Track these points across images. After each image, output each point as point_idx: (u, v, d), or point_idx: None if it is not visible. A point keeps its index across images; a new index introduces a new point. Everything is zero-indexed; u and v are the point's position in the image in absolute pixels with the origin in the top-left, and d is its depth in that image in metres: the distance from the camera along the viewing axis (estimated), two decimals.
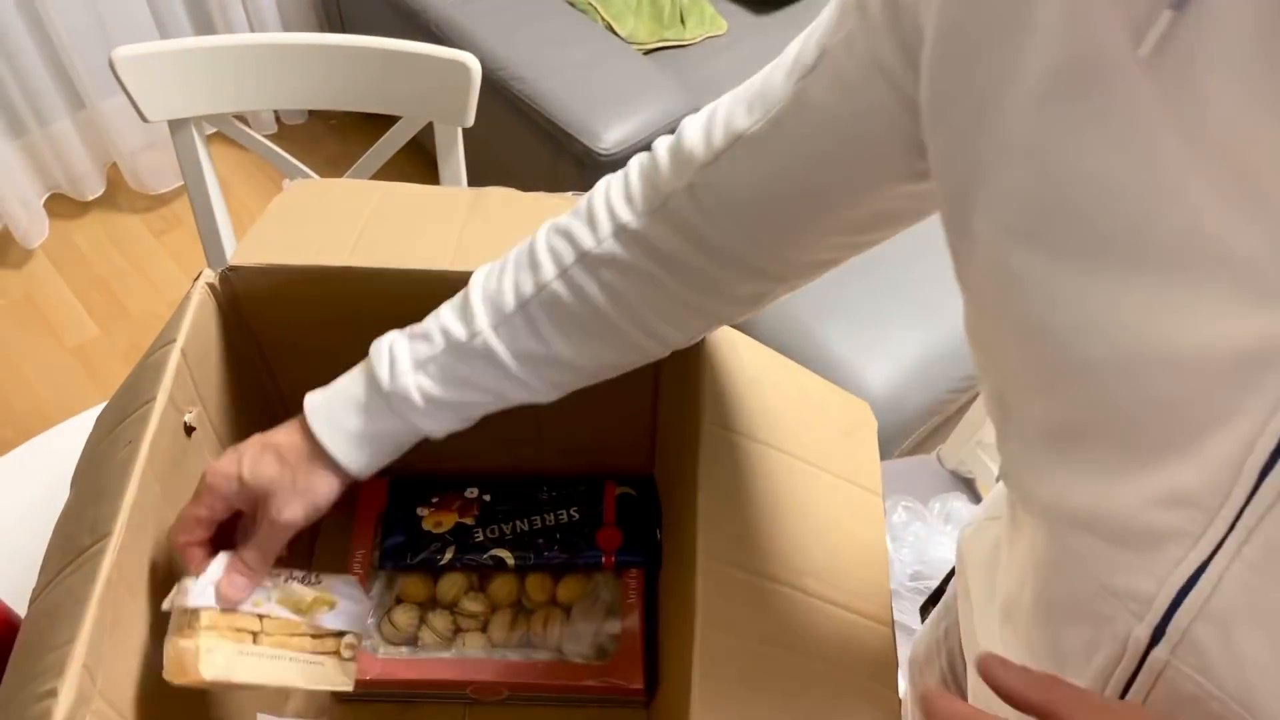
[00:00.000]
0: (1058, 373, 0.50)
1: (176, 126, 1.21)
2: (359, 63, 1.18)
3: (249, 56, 1.18)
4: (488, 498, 0.88)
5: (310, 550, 0.91)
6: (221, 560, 0.65)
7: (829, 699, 0.57)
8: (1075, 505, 0.53)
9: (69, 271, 2.17)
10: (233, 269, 0.68)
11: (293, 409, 0.82)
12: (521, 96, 1.64)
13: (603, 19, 1.90)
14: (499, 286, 0.67)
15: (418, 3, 1.75)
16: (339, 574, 0.73)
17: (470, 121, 1.19)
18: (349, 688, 0.70)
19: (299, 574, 0.71)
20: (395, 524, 0.87)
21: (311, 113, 2.45)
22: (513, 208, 0.76)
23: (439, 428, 0.70)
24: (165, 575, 0.63)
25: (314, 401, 0.68)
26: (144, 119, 1.16)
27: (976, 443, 1.24)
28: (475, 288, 0.68)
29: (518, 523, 0.87)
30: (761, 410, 0.66)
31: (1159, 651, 0.51)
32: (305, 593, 0.69)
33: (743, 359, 0.68)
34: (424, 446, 0.87)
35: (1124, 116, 0.44)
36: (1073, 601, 0.57)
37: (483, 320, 0.67)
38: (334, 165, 1.54)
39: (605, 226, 0.65)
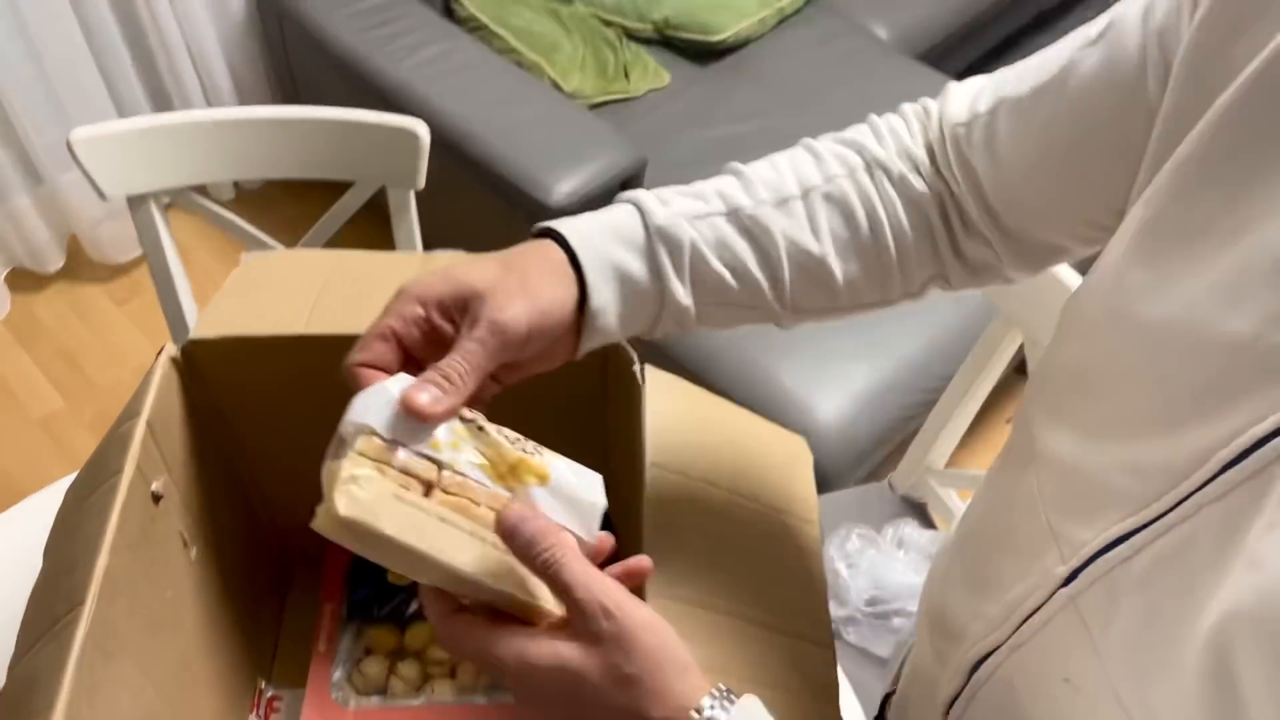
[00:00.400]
0: (1106, 323, 0.55)
1: (135, 202, 1.25)
2: (310, 133, 1.23)
3: (202, 132, 1.22)
4: None
5: (282, 606, 0.94)
6: (403, 378, 0.52)
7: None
8: (1062, 453, 0.59)
9: (32, 344, 2.18)
10: (194, 343, 0.72)
11: (258, 472, 0.86)
12: (474, 156, 1.69)
13: (549, 76, 1.96)
14: (776, 173, 0.64)
15: (369, 71, 1.80)
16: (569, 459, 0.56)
17: (421, 185, 1.24)
18: (547, 608, 0.52)
19: (511, 433, 0.54)
20: (362, 577, 0.90)
21: (269, 180, 2.49)
22: None
23: (682, 308, 0.62)
24: (141, 639, 0.66)
25: (557, 222, 0.60)
26: (102, 197, 1.19)
27: (926, 468, 1.29)
28: (743, 170, 0.65)
29: None
30: (700, 449, 0.70)
31: (1067, 591, 0.57)
32: (511, 452, 0.53)
33: (680, 401, 0.72)
34: None
35: None
36: (1019, 534, 0.63)
37: (765, 193, 0.63)
38: (291, 227, 1.57)
39: (891, 145, 0.67)
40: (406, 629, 0.88)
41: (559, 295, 0.57)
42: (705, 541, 0.66)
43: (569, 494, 0.53)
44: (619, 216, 0.61)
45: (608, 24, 2.13)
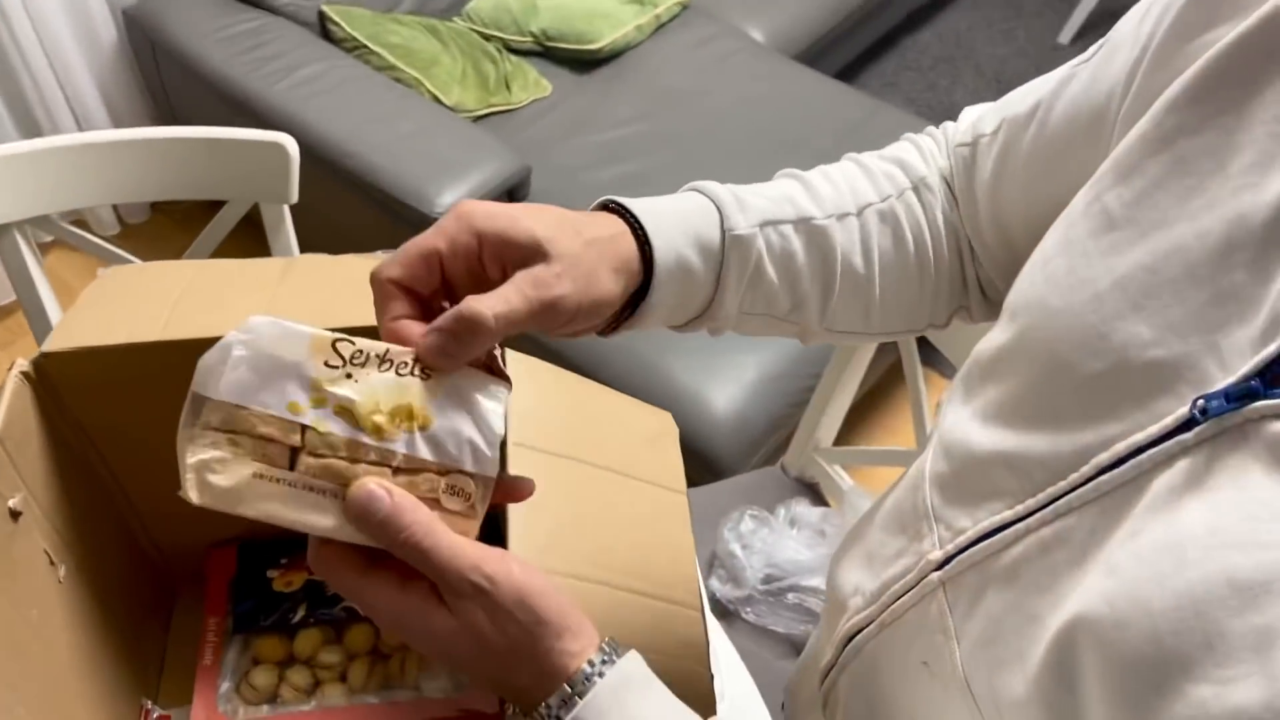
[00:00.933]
0: (1023, 308, 0.55)
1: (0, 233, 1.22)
2: (177, 153, 1.21)
3: (61, 157, 1.19)
4: None
5: (166, 623, 0.92)
6: (262, 324, 0.47)
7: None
8: (956, 436, 0.60)
9: None
10: (46, 355, 0.71)
11: (125, 485, 0.84)
12: (354, 171, 1.68)
13: (429, 91, 1.96)
14: (832, 186, 0.64)
15: (243, 91, 1.79)
16: (475, 374, 0.50)
17: (293, 199, 1.23)
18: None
19: (399, 356, 0.48)
20: (246, 589, 0.89)
21: (154, 208, 2.44)
22: (323, 271, 0.81)
23: (726, 316, 0.62)
24: (4, 661, 0.65)
25: (639, 208, 0.57)
26: None
27: (814, 449, 1.32)
28: (803, 176, 0.64)
29: None
30: (564, 428, 0.71)
31: (938, 575, 0.59)
32: (387, 399, 0.47)
33: (544, 383, 0.73)
34: None
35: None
36: (905, 513, 0.65)
37: (829, 205, 0.63)
38: (179, 257, 1.55)
39: (932, 166, 0.67)
40: (294, 637, 0.88)
41: (616, 291, 0.54)
42: (571, 514, 0.67)
43: (456, 435, 0.48)
44: (697, 217, 0.59)
45: (487, 38, 2.15)
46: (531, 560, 0.60)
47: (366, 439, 0.47)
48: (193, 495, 0.47)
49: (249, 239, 1.35)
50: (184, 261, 0.81)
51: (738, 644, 1.04)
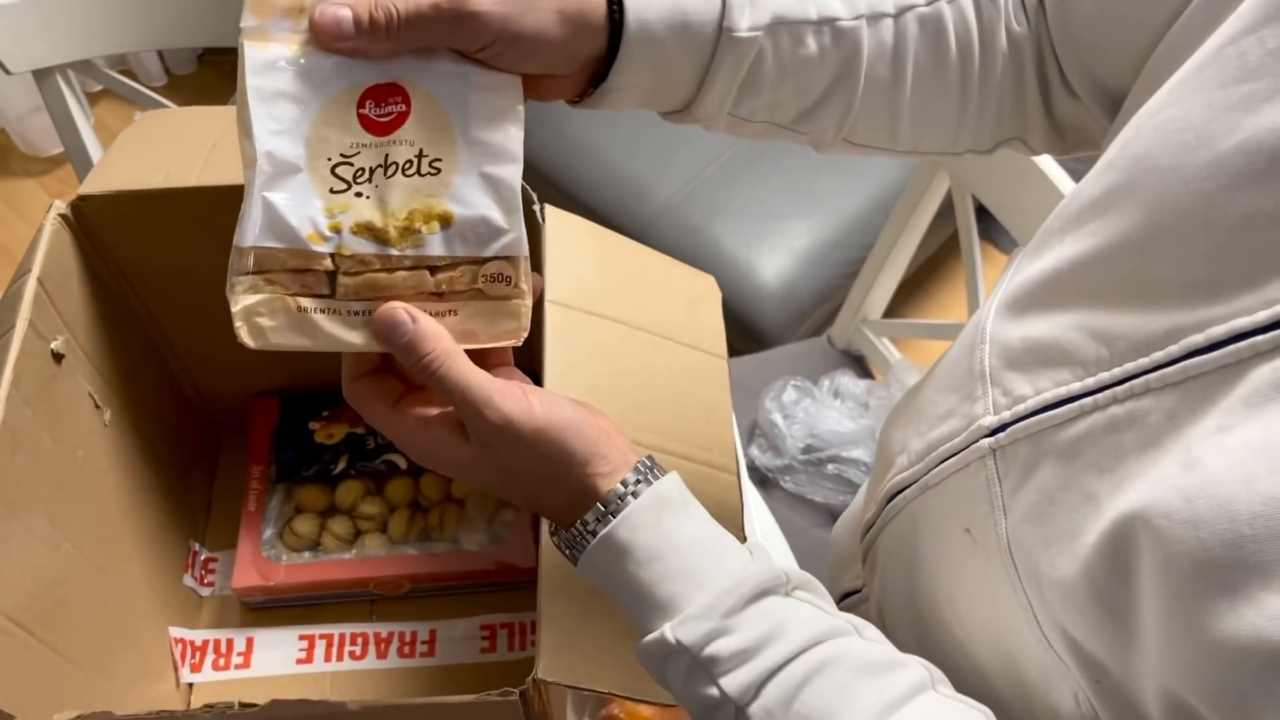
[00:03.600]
0: (1125, 161, 0.49)
1: (43, 78, 1.20)
2: None
3: None
4: None
5: (212, 470, 0.94)
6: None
7: None
8: (1027, 292, 0.55)
9: None
10: (83, 198, 0.70)
11: (167, 331, 0.85)
12: None
13: None
14: None
15: None
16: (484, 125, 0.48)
17: None
18: (516, 338, 0.51)
19: (404, 150, 0.47)
20: (288, 439, 0.90)
21: (201, 60, 2.41)
22: None
23: (714, 111, 0.56)
24: (51, 496, 0.66)
25: None
26: (6, 71, 1.15)
27: (862, 320, 1.30)
28: None
29: None
30: (604, 287, 0.69)
31: (989, 441, 0.55)
32: (402, 206, 0.47)
33: (584, 241, 0.71)
34: (311, 364, 0.91)
35: None
36: (962, 373, 0.60)
37: (864, 5, 0.56)
38: None
39: None
40: (336, 488, 0.89)
41: (553, 36, 0.49)
42: (608, 374, 0.66)
43: (480, 223, 0.47)
44: (693, 3, 0.53)
45: None
46: None
47: (393, 250, 0.47)
48: (248, 341, 0.48)
49: None
50: (219, 108, 0.79)
51: (775, 512, 1.04)
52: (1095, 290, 0.49)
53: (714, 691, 0.47)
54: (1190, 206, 0.44)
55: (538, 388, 0.51)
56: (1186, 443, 0.42)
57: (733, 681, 0.47)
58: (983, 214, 1.11)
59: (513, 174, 0.48)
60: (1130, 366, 0.46)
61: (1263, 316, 0.40)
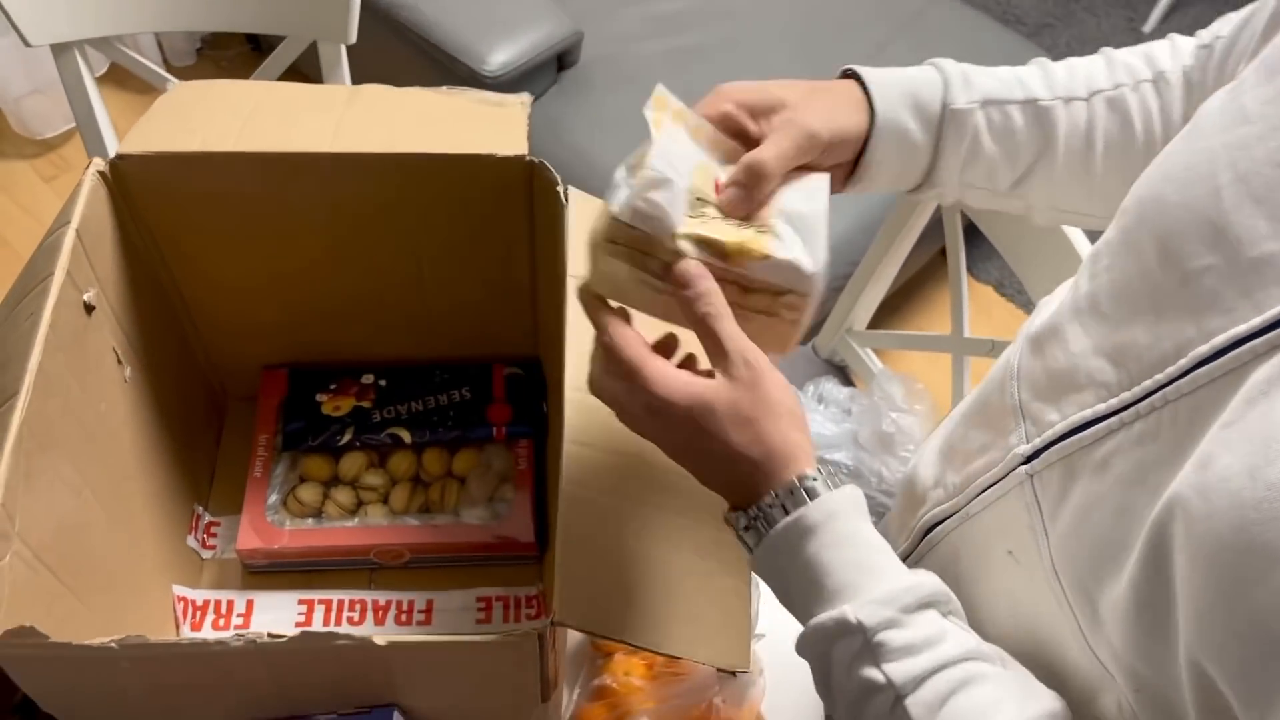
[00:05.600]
0: (1144, 202, 0.56)
1: (60, 52, 1.22)
2: None
3: None
4: (383, 383, 0.94)
5: (217, 439, 0.96)
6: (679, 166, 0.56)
7: (683, 549, 0.65)
8: (1050, 331, 0.61)
9: None
10: (121, 156, 0.72)
11: (186, 297, 0.87)
12: (406, 23, 1.67)
13: None
14: (1069, 73, 0.67)
15: None
16: (801, 197, 0.59)
17: (352, 38, 1.23)
18: (782, 350, 0.59)
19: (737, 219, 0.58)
20: (296, 410, 0.93)
21: (200, 53, 2.43)
22: (389, 100, 0.82)
23: (951, 178, 0.67)
24: (77, 442, 0.68)
25: (877, 83, 0.65)
26: (26, 43, 1.17)
27: (846, 330, 1.34)
28: (1045, 64, 0.68)
29: (413, 403, 0.93)
30: None
31: (1026, 469, 0.60)
32: (735, 238, 0.56)
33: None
34: (319, 340, 0.93)
35: None
36: (991, 409, 0.67)
37: (1062, 90, 0.67)
38: None
39: (1178, 62, 0.67)
40: (340, 459, 0.91)
41: (856, 125, 0.63)
42: None
43: (789, 266, 0.56)
44: (922, 84, 0.66)
45: None
46: (582, 385, 0.62)
47: (722, 264, 0.56)
48: (596, 285, 0.58)
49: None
50: (254, 82, 0.82)
51: None
52: (1112, 319, 0.55)
53: (879, 676, 0.50)
54: (1195, 231, 0.49)
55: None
56: (1201, 445, 0.46)
57: (899, 670, 0.50)
58: (971, 233, 1.15)
59: (819, 232, 0.57)
60: (1147, 384, 0.51)
61: (1256, 322, 0.45)
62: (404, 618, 0.87)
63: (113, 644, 0.56)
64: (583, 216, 0.73)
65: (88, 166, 0.72)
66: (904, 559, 0.76)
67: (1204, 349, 0.47)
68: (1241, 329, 0.46)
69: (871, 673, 0.50)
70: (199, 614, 0.85)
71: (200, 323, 0.90)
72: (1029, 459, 0.60)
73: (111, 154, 0.73)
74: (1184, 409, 0.49)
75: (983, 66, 0.68)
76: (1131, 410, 0.52)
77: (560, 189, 0.73)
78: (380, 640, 0.55)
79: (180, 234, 0.80)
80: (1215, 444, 0.45)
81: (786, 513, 0.52)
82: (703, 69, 1.81)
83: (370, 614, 0.87)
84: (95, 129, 1.27)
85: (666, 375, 0.53)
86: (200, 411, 0.94)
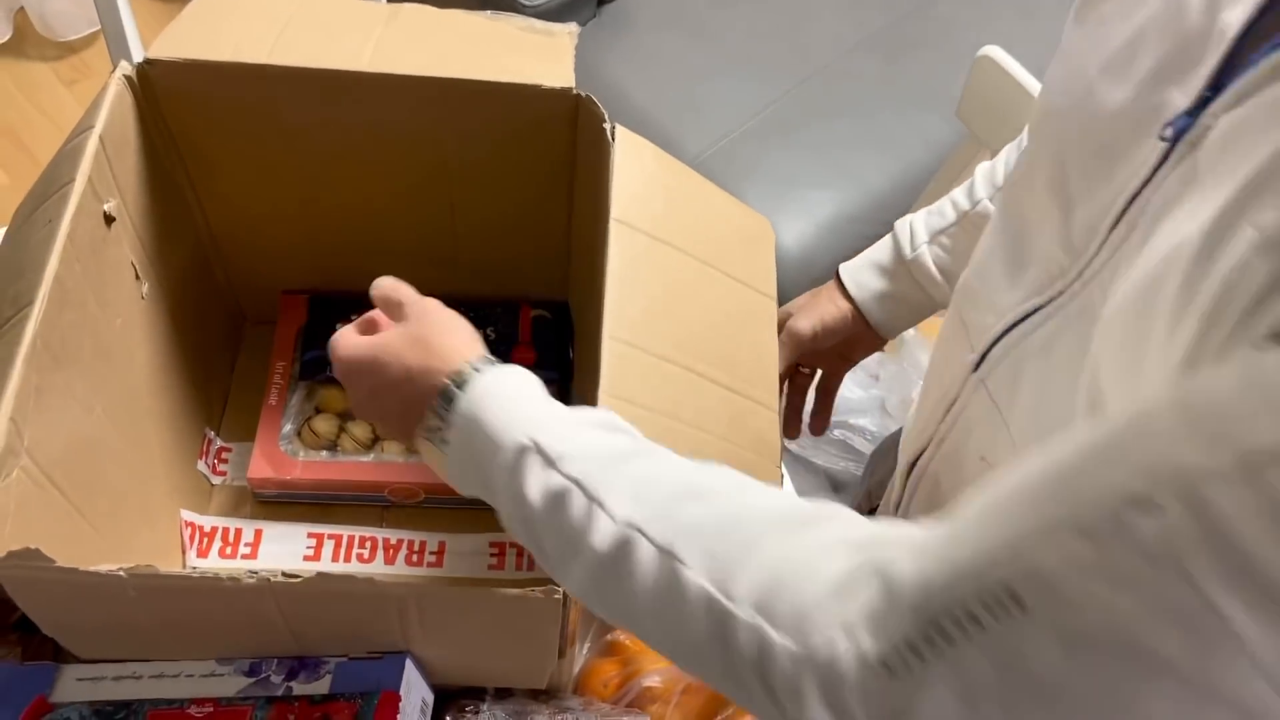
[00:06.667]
0: (1037, 115, 0.60)
1: None
2: None
3: None
4: None
5: (232, 363, 0.94)
6: None
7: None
8: (989, 244, 0.64)
9: None
10: (150, 62, 0.69)
11: (208, 212, 0.84)
12: None
13: None
14: (992, 166, 0.78)
15: None
16: None
17: None
18: None
19: None
20: (315, 338, 0.90)
21: None
22: (429, 20, 0.78)
23: (948, 292, 0.74)
24: (91, 359, 0.65)
25: (846, 267, 0.84)
26: None
27: None
28: (977, 170, 0.80)
29: None
30: (666, 212, 0.69)
31: (976, 375, 0.62)
32: None
33: (649, 165, 0.71)
34: (342, 267, 0.90)
35: None
36: (948, 336, 0.70)
37: (982, 190, 0.78)
38: None
39: None
40: None
41: (839, 311, 0.82)
42: (664, 297, 0.66)
43: None
44: (880, 252, 0.83)
45: None
46: (619, 331, 0.60)
47: None
48: None
49: None
50: None
51: None
52: (1034, 216, 0.58)
53: (561, 480, 0.49)
54: (1081, 124, 0.53)
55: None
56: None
57: (578, 468, 0.49)
58: None
59: None
60: (1074, 270, 0.53)
61: (1143, 174, 0.47)
62: (415, 558, 0.85)
63: (121, 572, 0.54)
64: (627, 157, 0.70)
65: (114, 69, 0.68)
66: (896, 506, 0.78)
67: (1109, 220, 0.49)
68: (1133, 184, 0.48)
69: (554, 478, 0.49)
70: (206, 540, 0.83)
71: (221, 241, 0.87)
72: (976, 365, 0.62)
73: (136, 61, 0.70)
74: (1105, 278, 0.50)
75: (922, 211, 0.81)
76: (1056, 303, 0.54)
77: (607, 126, 0.69)
78: (398, 589, 0.53)
79: (206, 147, 0.77)
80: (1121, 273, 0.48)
81: (460, 389, 0.54)
82: (748, 8, 1.76)
83: (381, 552, 0.85)
84: (120, 33, 1.23)
85: (346, 335, 0.62)
86: (217, 333, 0.92)
